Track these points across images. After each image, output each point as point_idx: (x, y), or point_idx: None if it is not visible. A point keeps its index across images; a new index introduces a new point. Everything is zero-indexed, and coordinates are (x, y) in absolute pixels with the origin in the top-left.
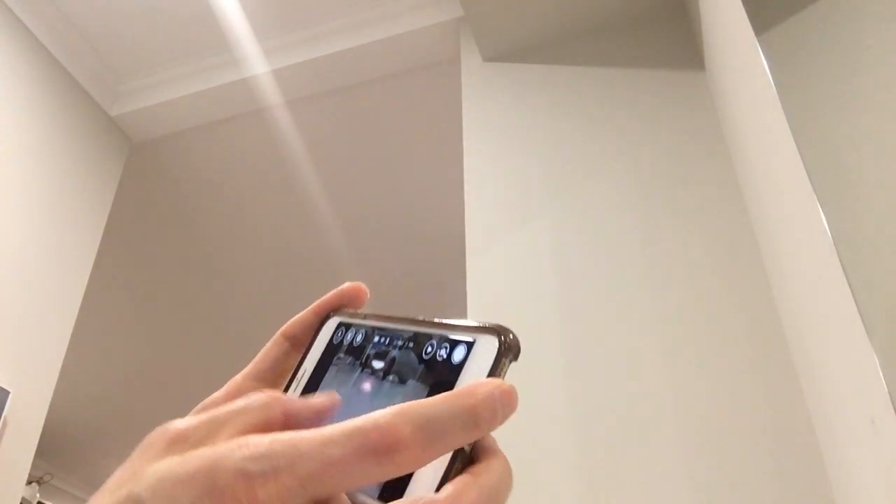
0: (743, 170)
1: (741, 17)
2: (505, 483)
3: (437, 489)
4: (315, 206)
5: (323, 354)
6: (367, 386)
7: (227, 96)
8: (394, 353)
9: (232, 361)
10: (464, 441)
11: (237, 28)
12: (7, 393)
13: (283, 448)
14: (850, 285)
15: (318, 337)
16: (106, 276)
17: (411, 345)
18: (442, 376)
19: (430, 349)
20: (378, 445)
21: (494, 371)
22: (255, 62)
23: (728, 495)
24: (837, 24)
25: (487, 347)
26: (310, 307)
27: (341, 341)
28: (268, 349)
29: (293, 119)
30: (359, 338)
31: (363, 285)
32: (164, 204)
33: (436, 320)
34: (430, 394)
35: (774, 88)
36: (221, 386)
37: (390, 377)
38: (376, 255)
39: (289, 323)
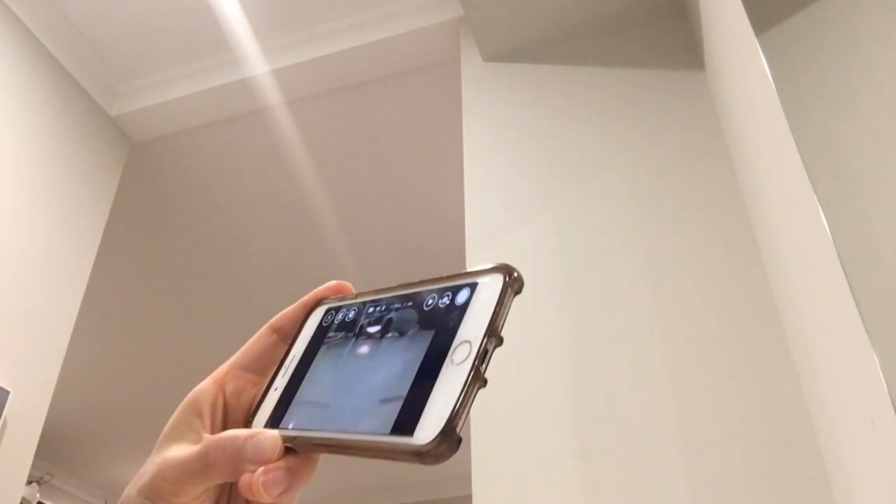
0: (743, 169)
1: (741, 17)
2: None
3: (453, 412)
4: (315, 206)
5: (312, 339)
6: (364, 349)
7: (227, 96)
8: (391, 315)
9: None
10: None
11: (237, 28)
12: (7, 393)
13: None
14: (850, 285)
15: (307, 325)
16: (106, 276)
17: (410, 303)
18: (445, 318)
19: (430, 301)
20: None
21: (500, 304)
22: (255, 62)
23: (728, 495)
24: (837, 24)
25: (492, 285)
26: (298, 301)
27: (331, 322)
28: (254, 340)
29: (293, 119)
30: (351, 314)
31: (350, 284)
32: (164, 204)
33: (437, 277)
34: (434, 338)
35: (774, 88)
36: None
37: (389, 334)
38: (376, 254)
39: (277, 316)
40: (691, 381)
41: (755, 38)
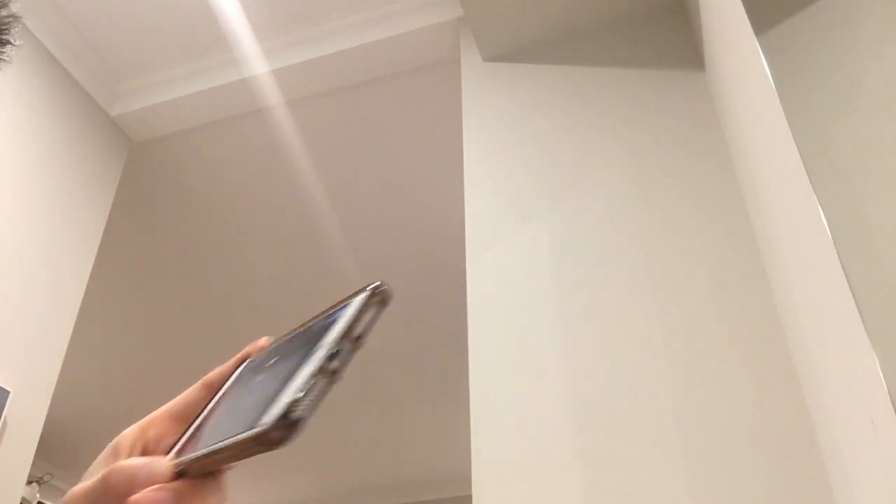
0: (743, 169)
1: (741, 17)
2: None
3: (292, 398)
4: (315, 206)
5: (229, 387)
6: (256, 378)
7: (227, 96)
8: (285, 345)
9: None
10: None
11: (237, 28)
12: (7, 393)
13: None
14: (850, 285)
15: (231, 378)
16: (106, 275)
17: (302, 330)
18: (319, 333)
19: (316, 325)
20: None
21: (359, 312)
22: (255, 62)
23: (728, 496)
24: (837, 24)
25: (358, 300)
26: (231, 360)
27: (246, 369)
28: (185, 394)
29: (293, 119)
30: (261, 358)
31: (270, 338)
32: (164, 204)
33: (336, 302)
34: (306, 350)
35: (774, 88)
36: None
37: (278, 360)
38: (376, 254)
39: (211, 373)
40: (691, 382)
41: (755, 38)
